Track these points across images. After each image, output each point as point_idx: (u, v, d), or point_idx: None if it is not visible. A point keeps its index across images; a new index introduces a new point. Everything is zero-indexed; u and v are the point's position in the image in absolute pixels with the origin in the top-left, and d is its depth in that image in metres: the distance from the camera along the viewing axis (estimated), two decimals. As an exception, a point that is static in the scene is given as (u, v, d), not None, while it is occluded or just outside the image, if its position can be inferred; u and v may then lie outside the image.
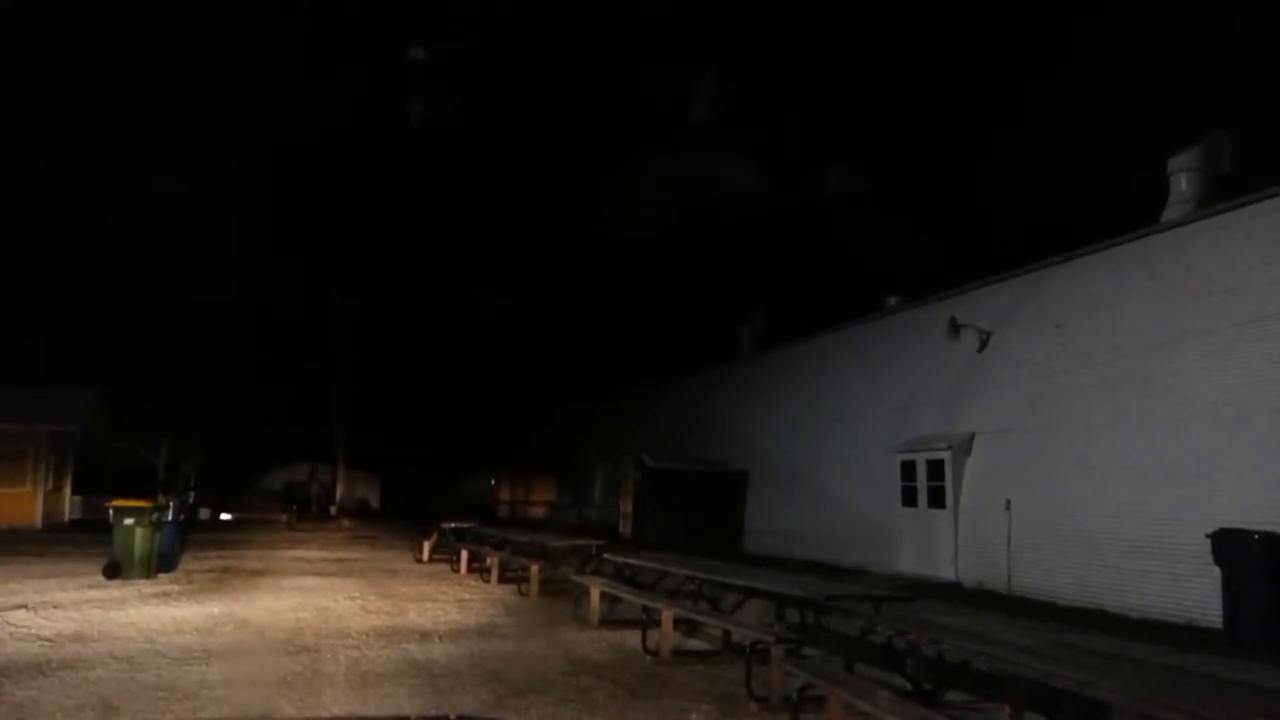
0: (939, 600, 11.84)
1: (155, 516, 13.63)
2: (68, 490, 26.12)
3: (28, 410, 23.86)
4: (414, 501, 39.77)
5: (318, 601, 11.63)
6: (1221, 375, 11.25)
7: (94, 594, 11.75)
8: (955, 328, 16.00)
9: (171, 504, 15.08)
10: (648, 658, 8.52)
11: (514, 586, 13.37)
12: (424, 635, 9.39)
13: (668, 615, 8.75)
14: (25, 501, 23.92)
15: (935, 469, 15.36)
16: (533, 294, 47.94)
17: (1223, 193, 14.35)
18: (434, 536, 17.98)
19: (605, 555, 13.08)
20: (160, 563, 13.84)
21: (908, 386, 17.49)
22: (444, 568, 16.15)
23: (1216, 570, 9.79)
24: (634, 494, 23.79)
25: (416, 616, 10.63)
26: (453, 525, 18.13)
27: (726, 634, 9.01)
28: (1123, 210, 16.80)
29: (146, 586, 12.64)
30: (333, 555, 18.94)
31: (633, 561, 11.67)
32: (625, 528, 23.94)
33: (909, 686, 6.59)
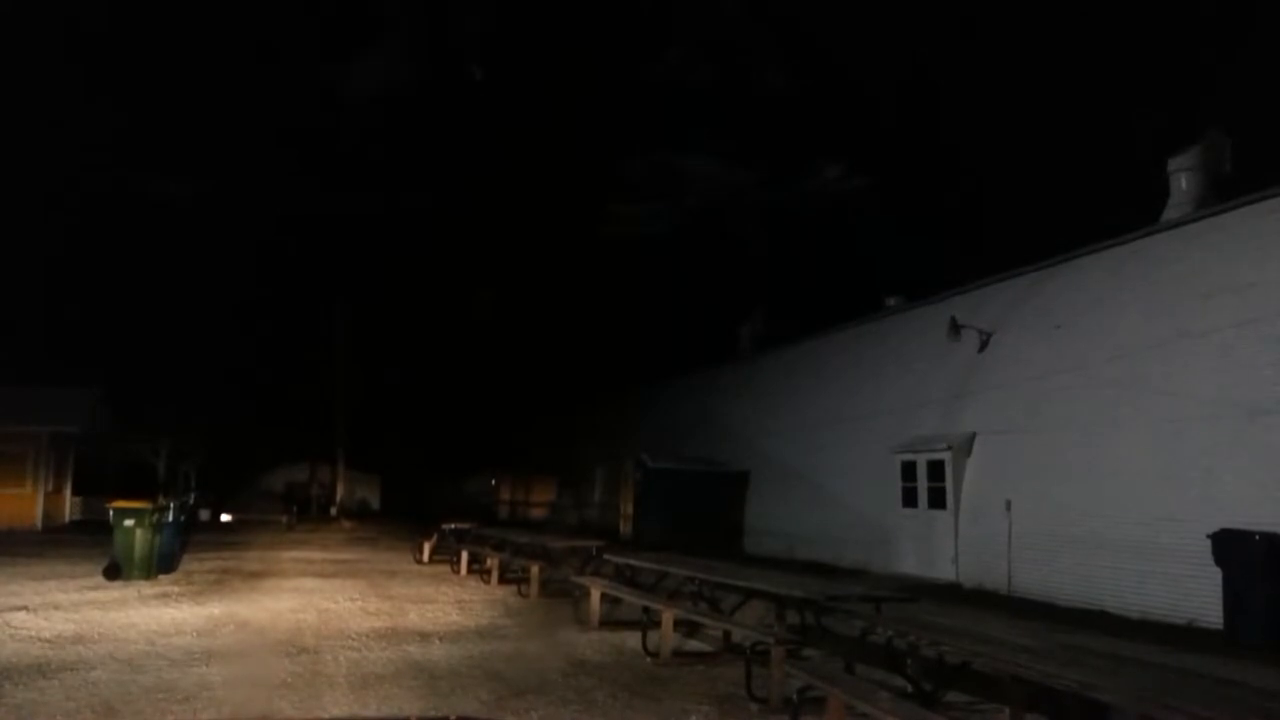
0: (939, 601, 11.83)
1: (155, 517, 13.62)
2: (68, 491, 26.10)
3: (28, 410, 23.83)
4: (414, 502, 39.76)
5: (318, 603, 11.63)
6: (1221, 375, 11.24)
7: (94, 595, 11.74)
8: (955, 328, 15.98)
9: (171, 505, 15.06)
10: (648, 659, 8.52)
11: (514, 588, 13.36)
12: (424, 636, 9.38)
13: (668, 616, 8.74)
14: (25, 502, 23.91)
15: (935, 470, 15.35)
16: (533, 293, 47.97)
17: (1223, 193, 14.35)
18: (434, 537, 17.96)
19: (605, 556, 13.06)
20: (160, 564, 13.84)
21: (908, 387, 17.48)
22: (444, 569, 16.14)
23: (1217, 571, 9.79)
24: (634, 494, 23.78)
25: (417, 618, 10.62)
26: (453, 526, 18.11)
27: (727, 635, 9.01)
28: (1123, 210, 16.82)
29: (147, 588, 12.63)
30: (333, 556, 18.93)
31: (633, 562, 11.65)
32: (625, 528, 23.92)
33: (909, 687, 6.57)
